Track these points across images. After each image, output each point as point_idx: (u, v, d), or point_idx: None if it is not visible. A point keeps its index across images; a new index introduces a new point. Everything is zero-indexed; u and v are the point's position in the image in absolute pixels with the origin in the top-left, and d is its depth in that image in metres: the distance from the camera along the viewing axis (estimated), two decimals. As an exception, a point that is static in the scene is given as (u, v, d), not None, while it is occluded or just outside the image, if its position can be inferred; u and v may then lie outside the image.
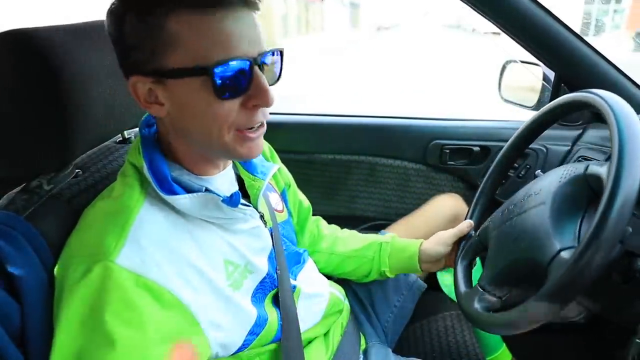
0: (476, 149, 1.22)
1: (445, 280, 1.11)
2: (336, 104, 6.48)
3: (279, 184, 0.87)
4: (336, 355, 0.82)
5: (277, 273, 0.70)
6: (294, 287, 0.74)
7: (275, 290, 0.70)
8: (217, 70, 0.50)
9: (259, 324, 0.64)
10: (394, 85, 8.04)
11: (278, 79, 0.61)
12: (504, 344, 1.10)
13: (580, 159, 1.01)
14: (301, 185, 0.96)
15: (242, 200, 0.62)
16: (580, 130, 1.11)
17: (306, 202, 0.96)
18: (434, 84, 7.93)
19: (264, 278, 0.67)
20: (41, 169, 0.62)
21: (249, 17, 0.53)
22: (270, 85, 0.55)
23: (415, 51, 15.19)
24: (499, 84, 1.23)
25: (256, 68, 0.53)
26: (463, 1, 0.96)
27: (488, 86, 1.61)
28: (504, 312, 0.60)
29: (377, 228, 1.16)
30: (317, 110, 1.39)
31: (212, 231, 0.60)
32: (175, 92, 0.53)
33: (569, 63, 1.02)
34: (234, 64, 0.51)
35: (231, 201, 0.59)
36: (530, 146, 0.92)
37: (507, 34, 1.01)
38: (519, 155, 0.87)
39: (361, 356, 0.87)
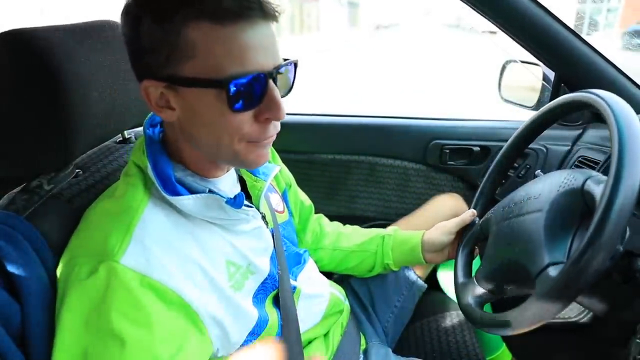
0: (476, 149, 1.22)
1: (445, 280, 1.11)
2: (335, 105, 6.47)
3: (279, 184, 0.87)
4: (336, 355, 0.82)
5: (278, 274, 0.70)
6: (294, 287, 0.74)
7: (276, 291, 0.70)
8: (232, 83, 0.49)
9: (260, 324, 0.64)
10: (393, 85, 8.04)
11: (290, 90, 0.60)
12: (504, 344, 1.10)
13: (580, 159, 1.01)
14: (301, 186, 0.96)
15: (245, 201, 0.62)
16: (580, 130, 1.11)
17: (307, 202, 0.96)
18: (433, 84, 7.92)
19: (266, 279, 0.67)
20: (41, 168, 0.62)
21: (267, 28, 0.52)
22: (282, 96, 0.54)
23: (415, 50, 15.18)
24: (499, 84, 1.23)
25: (271, 82, 0.52)
26: (463, 1, 0.96)
27: (487, 86, 1.61)
28: (503, 312, 0.60)
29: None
30: (315, 111, 1.39)
31: (214, 232, 0.60)
32: (187, 100, 0.52)
33: (569, 63, 1.02)
34: (249, 77, 0.50)
35: (235, 202, 0.59)
36: (530, 146, 0.92)
37: (507, 33, 1.01)
38: (519, 155, 0.87)
39: (361, 356, 0.87)
